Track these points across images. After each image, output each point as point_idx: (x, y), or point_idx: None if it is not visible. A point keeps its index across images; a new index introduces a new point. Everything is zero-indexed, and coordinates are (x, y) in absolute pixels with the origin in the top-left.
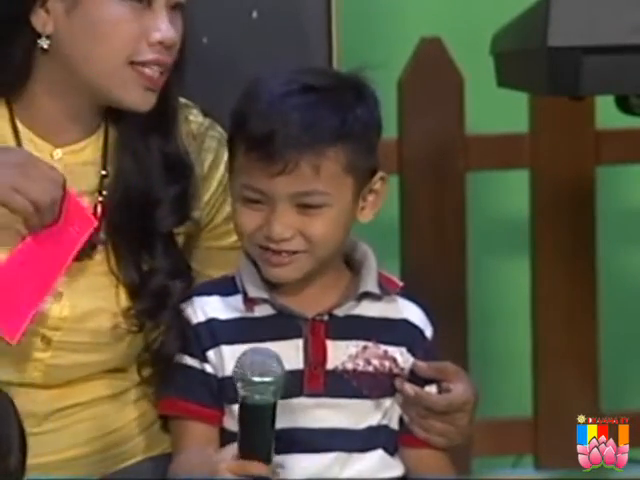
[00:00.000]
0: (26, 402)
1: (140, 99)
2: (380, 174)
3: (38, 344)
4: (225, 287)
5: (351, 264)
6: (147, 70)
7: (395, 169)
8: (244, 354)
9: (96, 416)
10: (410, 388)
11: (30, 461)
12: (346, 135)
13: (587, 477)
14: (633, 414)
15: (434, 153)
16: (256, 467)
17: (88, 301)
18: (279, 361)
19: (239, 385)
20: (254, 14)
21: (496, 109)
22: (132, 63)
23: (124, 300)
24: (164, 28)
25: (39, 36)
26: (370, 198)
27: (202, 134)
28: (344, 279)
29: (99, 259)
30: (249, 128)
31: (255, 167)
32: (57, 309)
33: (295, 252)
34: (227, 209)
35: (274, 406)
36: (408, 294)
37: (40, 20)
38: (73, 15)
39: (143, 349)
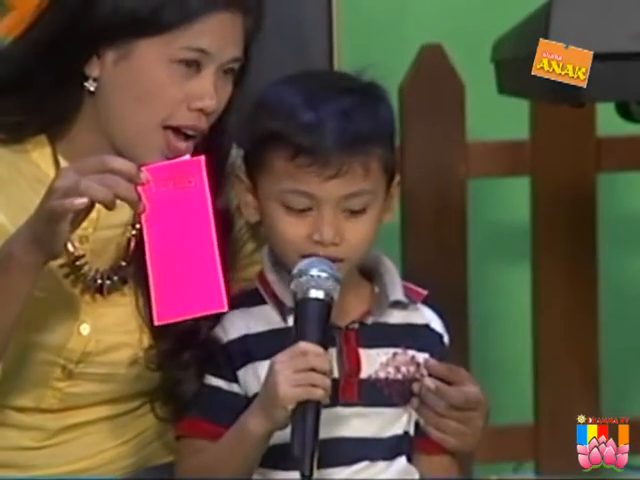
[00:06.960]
0: (37, 420)
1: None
2: (398, 177)
3: (58, 374)
4: (248, 299)
5: (365, 272)
6: (178, 139)
7: None
8: (303, 260)
9: (104, 430)
10: (431, 381)
11: (42, 472)
12: (383, 134)
13: (587, 477)
14: (634, 420)
15: (435, 160)
16: (313, 348)
17: (112, 336)
18: (335, 269)
19: (296, 283)
20: None
21: (497, 116)
22: (165, 127)
23: (147, 338)
24: (208, 96)
25: (87, 78)
26: (390, 200)
27: (234, 170)
28: (364, 287)
29: (128, 294)
30: (296, 135)
31: (304, 172)
32: (82, 343)
33: (336, 261)
34: (251, 245)
35: (330, 304)
36: (427, 301)
37: (91, 64)
38: (121, 66)
39: (158, 387)
